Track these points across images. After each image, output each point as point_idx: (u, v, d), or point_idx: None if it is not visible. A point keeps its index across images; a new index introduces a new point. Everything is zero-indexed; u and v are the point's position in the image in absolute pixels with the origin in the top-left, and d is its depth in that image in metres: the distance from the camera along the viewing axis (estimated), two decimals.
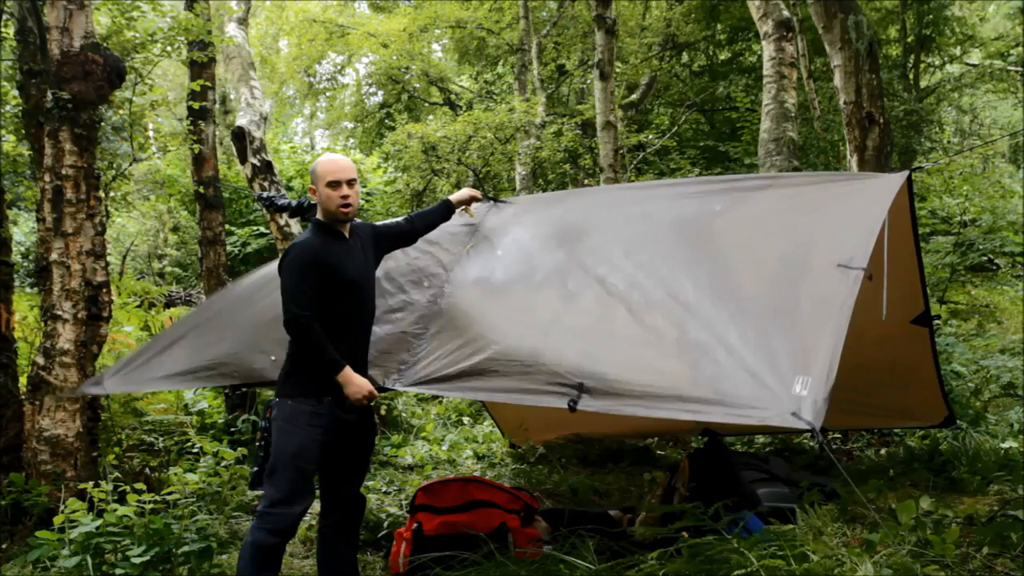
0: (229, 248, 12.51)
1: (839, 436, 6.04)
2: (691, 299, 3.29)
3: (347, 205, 3.31)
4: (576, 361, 3.14)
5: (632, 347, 3.16)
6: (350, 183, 3.31)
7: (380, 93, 20.71)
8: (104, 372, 4.39)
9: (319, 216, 3.41)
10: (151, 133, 8.04)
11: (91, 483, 4.03)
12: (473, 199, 4.06)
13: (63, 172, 4.56)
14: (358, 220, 3.58)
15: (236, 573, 3.15)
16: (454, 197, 4.00)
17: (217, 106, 10.33)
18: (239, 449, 5.10)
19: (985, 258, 10.32)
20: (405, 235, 3.80)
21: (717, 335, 3.07)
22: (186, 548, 3.76)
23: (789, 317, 3.10)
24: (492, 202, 4.33)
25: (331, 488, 3.40)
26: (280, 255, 3.76)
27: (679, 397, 2.91)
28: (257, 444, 3.29)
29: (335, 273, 3.27)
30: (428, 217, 3.90)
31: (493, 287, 3.75)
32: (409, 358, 3.58)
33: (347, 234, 3.41)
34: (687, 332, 3.13)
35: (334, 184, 3.30)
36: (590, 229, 4.01)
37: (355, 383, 3.21)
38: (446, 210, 3.94)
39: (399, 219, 3.87)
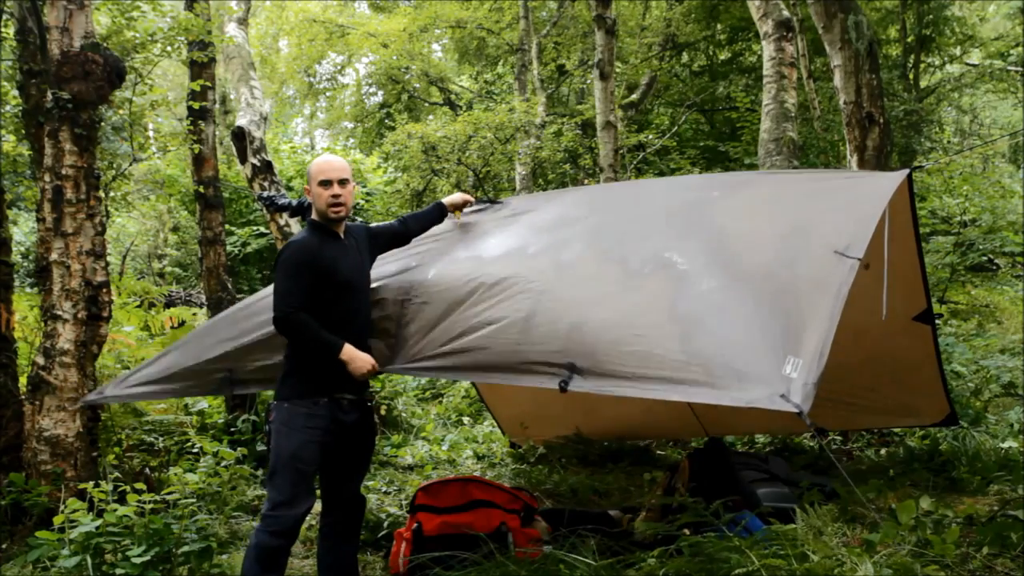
0: (229, 248, 12.51)
1: (839, 436, 6.04)
2: (686, 269, 3.24)
3: (338, 204, 3.33)
4: (567, 337, 3.07)
5: (624, 320, 3.07)
6: (341, 183, 3.33)
7: (380, 93, 20.71)
8: (106, 385, 4.42)
9: (314, 216, 3.42)
10: (151, 133, 8.05)
11: (91, 483, 4.02)
12: (466, 203, 4.15)
13: (63, 172, 4.55)
14: (356, 220, 3.59)
15: (241, 575, 3.16)
16: (447, 200, 4.08)
17: (217, 106, 10.32)
18: (239, 449, 5.10)
19: (985, 258, 10.33)
20: (400, 236, 3.84)
21: (709, 309, 3.02)
22: (186, 548, 3.76)
23: (783, 296, 3.05)
24: (489, 204, 4.35)
25: (331, 488, 3.41)
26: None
27: (669, 379, 2.84)
28: (266, 449, 3.31)
29: (330, 273, 3.28)
30: (421, 219, 3.97)
31: (483, 260, 3.70)
32: (396, 330, 3.53)
33: (342, 235, 3.42)
34: (679, 303, 3.08)
35: (325, 183, 3.32)
36: (587, 213, 4.02)
37: (358, 358, 3.22)
38: (439, 213, 4.02)
39: (392, 222, 3.91)
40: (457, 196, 4.13)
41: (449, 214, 4.08)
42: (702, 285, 3.14)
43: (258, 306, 3.98)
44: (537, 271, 3.44)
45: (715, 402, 2.78)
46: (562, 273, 3.41)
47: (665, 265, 3.30)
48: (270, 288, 3.80)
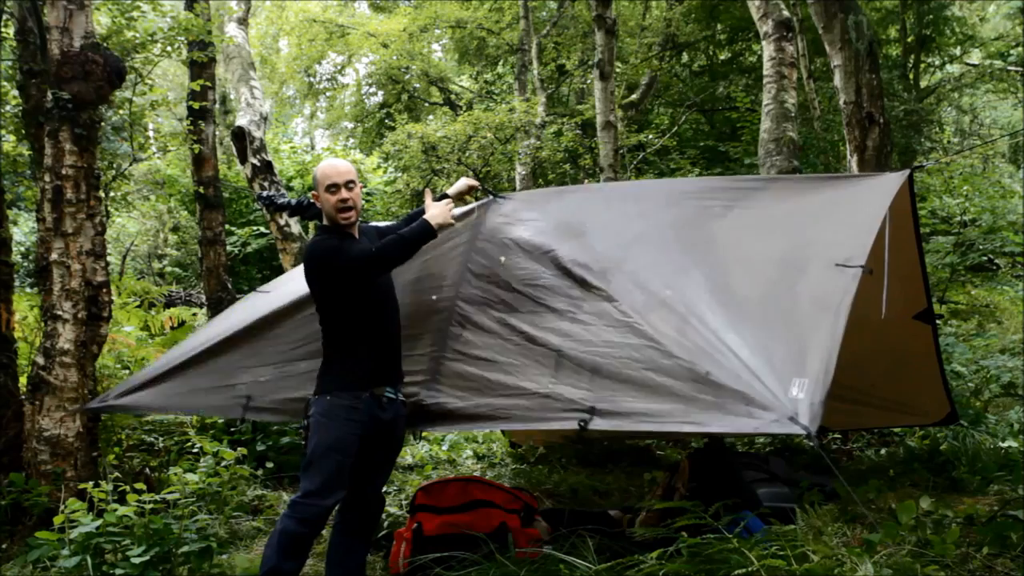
0: (229, 248, 12.51)
1: (839, 436, 6.03)
2: (691, 306, 3.35)
3: (347, 209, 3.35)
4: (588, 385, 3.27)
5: (636, 361, 3.25)
6: (348, 186, 3.35)
7: (380, 93, 20.69)
8: (109, 392, 4.40)
9: (325, 221, 3.45)
10: (151, 133, 8.04)
11: (91, 483, 4.02)
12: (472, 189, 4.04)
13: (63, 172, 4.55)
14: (369, 223, 3.62)
15: (261, 560, 3.19)
16: (452, 190, 3.95)
17: (217, 106, 10.33)
18: (239, 449, 5.10)
19: (985, 258, 10.31)
20: None
21: (715, 343, 3.13)
22: (186, 548, 3.76)
23: (786, 319, 3.14)
24: (492, 197, 4.32)
25: (355, 484, 3.39)
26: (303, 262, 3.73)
27: (683, 413, 3.05)
28: (302, 443, 3.35)
29: None
30: None
31: (498, 313, 3.78)
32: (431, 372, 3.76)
33: (356, 235, 3.45)
34: (686, 340, 3.20)
35: (332, 188, 3.34)
36: (588, 231, 4.00)
37: (437, 208, 3.40)
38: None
39: (398, 221, 3.90)
40: (462, 183, 3.99)
41: (451, 201, 4.00)
42: (707, 319, 3.26)
43: (286, 332, 4.02)
44: (552, 324, 3.59)
45: (726, 431, 2.95)
46: (575, 325, 3.55)
47: (669, 303, 3.41)
48: (293, 312, 3.89)
